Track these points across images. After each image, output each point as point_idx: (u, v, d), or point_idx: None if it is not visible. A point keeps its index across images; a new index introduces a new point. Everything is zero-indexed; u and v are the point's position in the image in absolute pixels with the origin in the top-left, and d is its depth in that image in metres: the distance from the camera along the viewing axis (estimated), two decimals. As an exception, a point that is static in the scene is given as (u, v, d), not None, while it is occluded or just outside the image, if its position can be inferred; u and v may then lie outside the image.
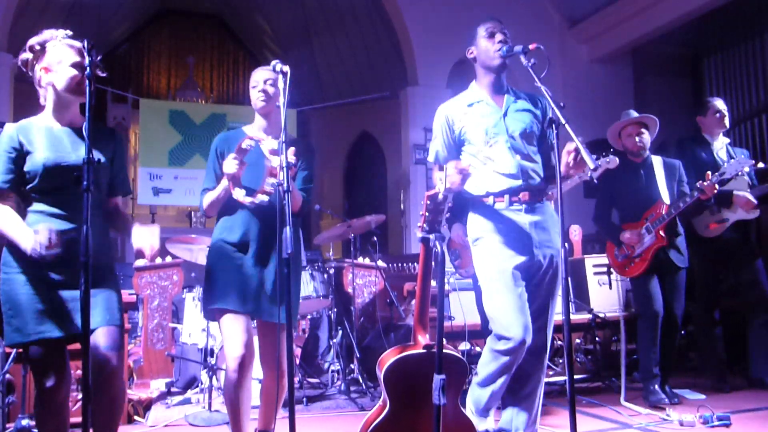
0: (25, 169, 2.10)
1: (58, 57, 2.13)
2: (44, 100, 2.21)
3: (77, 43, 2.15)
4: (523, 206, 2.44)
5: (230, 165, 2.34)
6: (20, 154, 2.10)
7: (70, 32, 2.17)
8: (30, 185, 2.10)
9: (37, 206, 2.11)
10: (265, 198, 2.34)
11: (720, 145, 4.15)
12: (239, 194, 2.36)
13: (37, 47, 2.15)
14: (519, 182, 2.45)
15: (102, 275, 2.13)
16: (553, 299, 2.50)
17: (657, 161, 3.90)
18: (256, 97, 2.53)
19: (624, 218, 3.91)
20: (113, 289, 2.18)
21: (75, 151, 2.13)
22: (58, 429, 2.10)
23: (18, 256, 2.05)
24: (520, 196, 2.45)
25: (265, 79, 2.51)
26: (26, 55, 2.17)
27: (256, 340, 2.51)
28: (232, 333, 2.39)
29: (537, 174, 2.50)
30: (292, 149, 2.25)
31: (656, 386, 3.73)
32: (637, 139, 3.82)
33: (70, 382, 2.13)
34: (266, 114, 2.56)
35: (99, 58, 1.99)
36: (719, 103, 4.14)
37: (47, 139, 2.13)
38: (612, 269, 4.11)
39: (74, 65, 2.12)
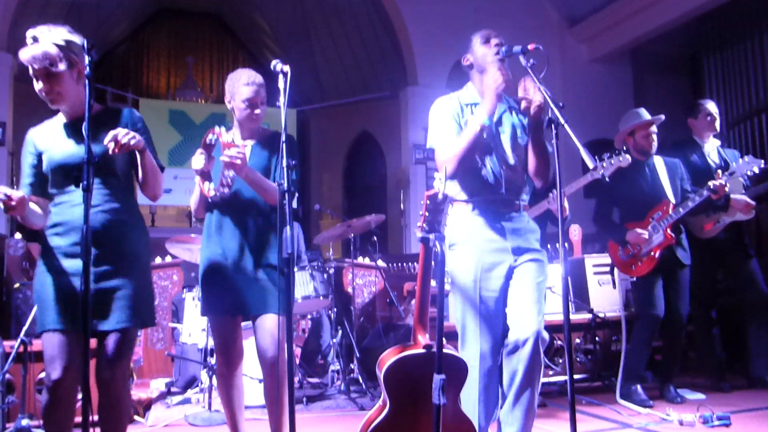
0: (43, 169, 2.16)
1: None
2: None
3: (29, 52, 2.01)
4: (499, 215, 2.43)
5: (197, 160, 2.37)
6: (38, 157, 2.16)
7: (31, 34, 2.05)
8: (48, 183, 2.16)
9: (58, 199, 2.15)
10: (226, 190, 2.37)
11: (711, 147, 4.15)
12: (205, 187, 2.39)
13: None
14: (501, 192, 2.44)
15: (124, 265, 2.12)
16: (540, 292, 2.43)
17: (659, 161, 3.91)
18: (248, 116, 2.48)
19: (627, 217, 3.89)
20: (133, 281, 2.12)
21: (80, 145, 2.12)
22: (61, 422, 2.09)
23: (45, 250, 2.11)
24: (499, 205, 2.43)
25: (262, 100, 2.50)
26: None
27: (252, 341, 2.52)
28: (215, 335, 2.50)
29: (519, 185, 2.49)
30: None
31: (639, 387, 3.74)
32: (653, 137, 3.84)
33: (77, 378, 2.10)
34: (247, 123, 2.54)
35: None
36: (711, 106, 4.13)
37: (58, 136, 2.16)
38: (616, 269, 4.09)
39: (33, 74, 2.06)
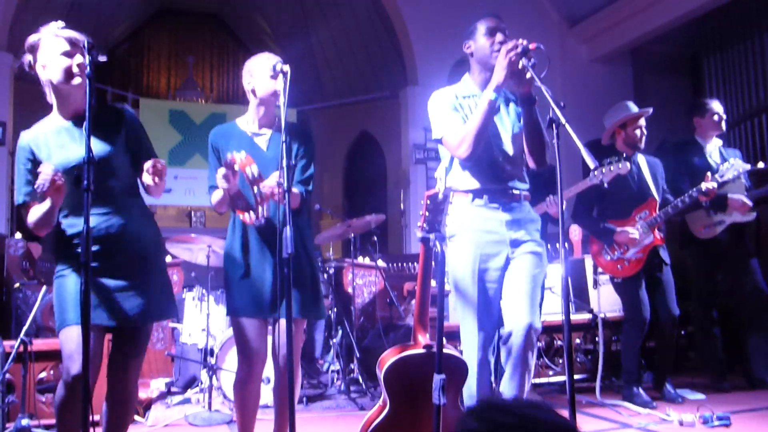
0: None
1: (49, 50, 2.11)
2: (50, 98, 2.20)
3: (68, 32, 2.12)
4: (499, 205, 2.42)
5: (221, 180, 2.31)
6: (35, 164, 2.11)
7: (62, 23, 2.14)
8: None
9: (65, 209, 2.13)
10: (263, 220, 2.34)
11: (713, 147, 4.14)
12: (242, 213, 2.38)
13: (33, 46, 2.14)
14: (500, 183, 2.44)
15: (147, 265, 2.16)
16: (535, 283, 2.41)
17: (641, 158, 3.86)
18: (273, 88, 2.40)
19: (610, 214, 3.80)
20: (154, 280, 2.19)
21: (82, 146, 2.08)
22: (75, 421, 2.08)
23: (63, 254, 2.12)
24: (498, 195, 2.43)
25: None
26: (27, 57, 2.16)
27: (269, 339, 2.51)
28: (242, 339, 2.42)
29: (519, 176, 2.49)
30: (272, 180, 2.25)
31: (639, 389, 3.72)
32: (643, 130, 3.81)
33: (97, 372, 2.12)
34: (269, 104, 2.50)
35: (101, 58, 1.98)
36: (717, 106, 4.11)
37: (56, 141, 2.13)
38: (600, 269, 4.03)
39: (64, 54, 2.10)
